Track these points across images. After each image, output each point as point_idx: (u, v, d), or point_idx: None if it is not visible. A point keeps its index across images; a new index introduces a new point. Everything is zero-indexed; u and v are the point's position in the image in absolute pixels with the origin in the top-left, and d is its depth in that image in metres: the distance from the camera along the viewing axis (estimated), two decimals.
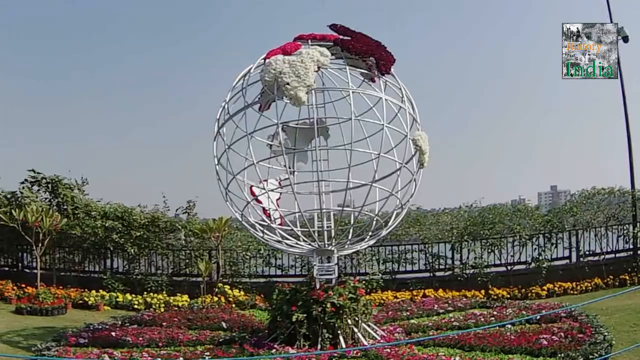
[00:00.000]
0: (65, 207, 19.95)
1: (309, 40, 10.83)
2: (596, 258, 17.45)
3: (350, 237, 11.49)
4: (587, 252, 17.59)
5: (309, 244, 11.08)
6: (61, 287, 18.38)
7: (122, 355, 9.62)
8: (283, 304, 10.83)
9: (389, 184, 10.94)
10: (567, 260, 17.72)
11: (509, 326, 10.85)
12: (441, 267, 18.46)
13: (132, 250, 19.51)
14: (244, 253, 19.30)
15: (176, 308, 16.34)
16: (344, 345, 10.01)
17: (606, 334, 9.19)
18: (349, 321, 10.47)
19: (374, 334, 10.79)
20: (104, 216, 19.89)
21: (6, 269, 21.39)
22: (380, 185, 10.77)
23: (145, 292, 18.09)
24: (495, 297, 16.00)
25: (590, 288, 16.07)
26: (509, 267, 17.54)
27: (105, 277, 19.08)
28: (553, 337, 9.17)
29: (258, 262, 19.54)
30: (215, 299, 17.01)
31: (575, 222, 17.90)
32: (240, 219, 11.46)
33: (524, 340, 9.19)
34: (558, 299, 14.35)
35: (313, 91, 10.05)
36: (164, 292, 18.10)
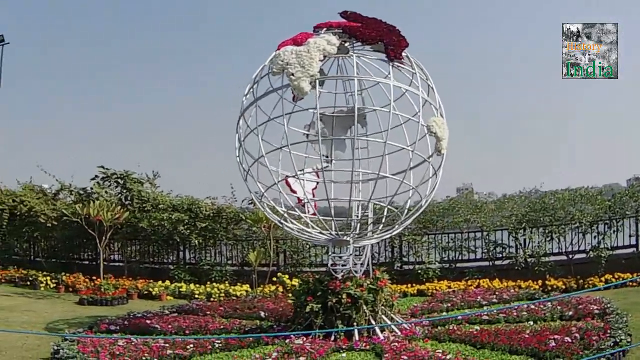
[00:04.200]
0: (133, 200, 20.71)
1: (324, 29, 10.75)
2: None
3: (358, 228, 11.34)
4: None
5: (320, 233, 11.01)
6: (130, 278, 19.19)
7: (138, 340, 9.86)
8: (302, 294, 10.86)
9: (419, 175, 10.74)
10: (634, 249, 16.60)
11: (531, 323, 10.38)
12: (500, 255, 17.89)
13: (196, 241, 19.98)
14: (304, 242, 19.29)
15: (234, 297, 16.64)
16: (356, 338, 9.92)
17: (623, 337, 8.49)
18: (367, 312, 10.35)
19: (393, 326, 10.59)
20: (173, 209, 20.44)
21: (86, 262, 22.50)
22: (394, 177, 10.61)
23: (209, 282, 18.53)
24: (550, 288, 15.33)
25: None
26: (569, 256, 16.71)
27: (172, 268, 19.71)
28: (566, 338, 8.56)
29: (322, 252, 19.50)
30: (273, 288, 17.24)
31: (638, 208, 16.79)
32: (260, 205, 11.54)
33: (535, 340, 8.70)
34: (613, 292, 13.49)
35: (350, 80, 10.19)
36: (226, 282, 18.47)
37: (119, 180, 21.00)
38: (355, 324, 10.15)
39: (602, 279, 15.29)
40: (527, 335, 9.10)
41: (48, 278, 19.29)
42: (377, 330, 10.19)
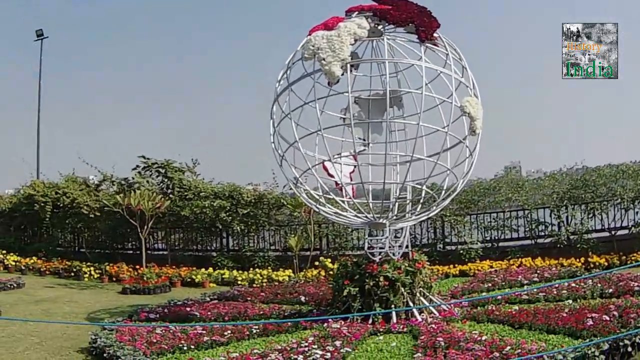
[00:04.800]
0: (174, 189, 20.96)
1: (356, 12, 10.68)
2: None
3: (396, 210, 11.27)
4: None
5: (356, 216, 11.00)
6: (174, 267, 19.39)
7: (176, 328, 9.97)
8: (340, 277, 10.89)
9: (457, 156, 10.68)
10: None
11: (570, 301, 10.25)
12: (542, 233, 17.74)
13: (239, 228, 20.15)
14: (345, 226, 19.25)
15: (277, 283, 16.79)
16: (394, 320, 9.91)
17: None
18: (405, 295, 10.33)
19: (432, 308, 10.55)
20: (215, 196, 20.59)
21: (129, 252, 22.83)
22: (428, 158, 10.55)
23: (251, 269, 18.68)
24: (593, 265, 15.12)
25: None
26: (612, 233, 16.48)
27: (215, 255, 19.97)
28: (604, 316, 8.40)
29: (363, 234, 19.45)
30: (315, 272, 17.33)
31: None
32: (296, 190, 11.58)
33: (573, 319, 8.57)
34: None
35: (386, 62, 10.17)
36: (269, 268, 18.62)
37: (160, 169, 21.24)
38: (393, 306, 10.13)
39: None
40: (565, 314, 8.98)
41: (92, 268, 19.52)
42: (415, 312, 10.18)
